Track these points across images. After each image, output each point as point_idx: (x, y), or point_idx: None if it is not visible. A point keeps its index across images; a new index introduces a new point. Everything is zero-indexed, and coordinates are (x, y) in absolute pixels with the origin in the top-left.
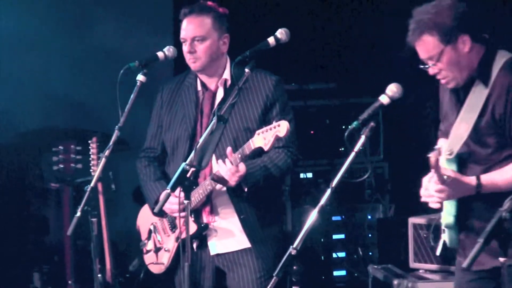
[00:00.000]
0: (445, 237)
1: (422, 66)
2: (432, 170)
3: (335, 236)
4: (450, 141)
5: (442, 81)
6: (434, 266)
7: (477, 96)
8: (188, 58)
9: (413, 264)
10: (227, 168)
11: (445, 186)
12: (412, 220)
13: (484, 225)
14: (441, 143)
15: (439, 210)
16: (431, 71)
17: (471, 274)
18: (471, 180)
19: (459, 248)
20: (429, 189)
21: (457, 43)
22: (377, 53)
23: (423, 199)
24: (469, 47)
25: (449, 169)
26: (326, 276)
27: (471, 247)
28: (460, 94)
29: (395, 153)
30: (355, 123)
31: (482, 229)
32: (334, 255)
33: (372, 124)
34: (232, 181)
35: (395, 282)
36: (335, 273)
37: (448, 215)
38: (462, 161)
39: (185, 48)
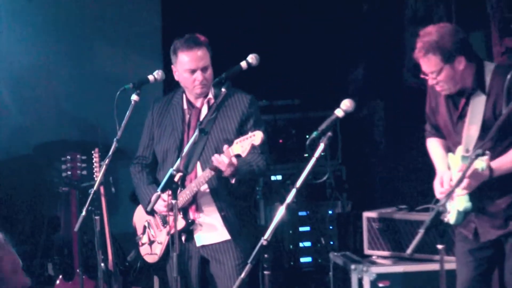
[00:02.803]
0: (451, 218)
1: (423, 76)
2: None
3: (301, 229)
4: (464, 141)
5: (438, 89)
6: (385, 253)
7: (478, 102)
8: (198, 84)
9: (367, 251)
10: (224, 160)
11: (469, 179)
12: (366, 214)
13: (493, 205)
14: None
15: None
16: (430, 82)
17: (474, 244)
18: (485, 170)
19: (466, 224)
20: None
21: (454, 63)
22: (334, 73)
23: (442, 196)
24: (464, 66)
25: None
26: (294, 263)
27: (481, 223)
28: (456, 101)
29: (352, 158)
30: (315, 133)
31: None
32: (301, 244)
33: (329, 133)
34: (228, 172)
35: (352, 266)
36: (302, 259)
37: (465, 202)
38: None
39: (198, 76)
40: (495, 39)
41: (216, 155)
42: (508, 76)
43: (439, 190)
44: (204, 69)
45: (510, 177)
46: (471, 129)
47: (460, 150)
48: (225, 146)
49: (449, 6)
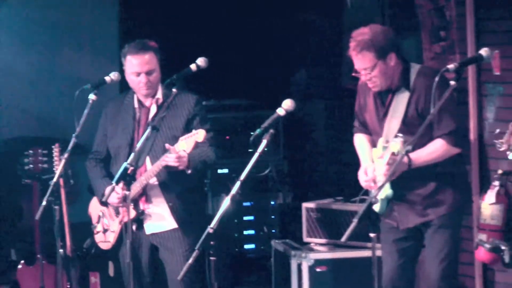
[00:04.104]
0: (376, 207)
1: (355, 74)
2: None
3: (245, 218)
4: (385, 133)
5: (370, 85)
6: (322, 240)
7: (402, 98)
8: (143, 86)
9: (306, 239)
10: (173, 157)
11: (388, 165)
12: (305, 205)
13: (413, 194)
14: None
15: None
16: (364, 78)
17: (397, 234)
18: (405, 159)
19: (389, 213)
20: (376, 174)
21: (386, 58)
22: (278, 75)
23: (366, 185)
24: (395, 62)
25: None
26: (239, 249)
27: (402, 211)
28: (384, 99)
29: (293, 153)
30: (258, 130)
31: (413, 196)
32: (245, 232)
33: (272, 131)
34: (180, 166)
35: (292, 253)
36: (246, 246)
37: (387, 190)
38: None
39: (142, 79)
40: (425, 45)
41: (164, 156)
42: (436, 79)
43: (363, 179)
44: (148, 73)
45: (430, 168)
46: (392, 122)
47: (381, 141)
48: (167, 145)
49: (384, 14)
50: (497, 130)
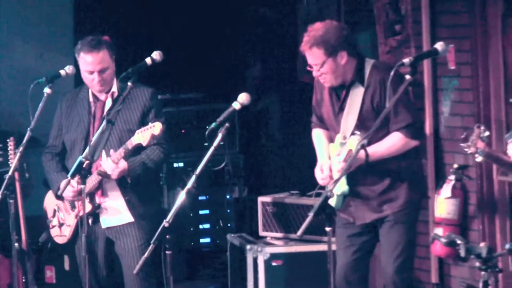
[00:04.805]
0: (332, 202)
1: (309, 68)
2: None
3: (201, 212)
4: (342, 129)
5: (321, 81)
6: (278, 234)
7: (356, 93)
8: (96, 84)
9: (261, 233)
10: (110, 165)
11: (345, 161)
12: (261, 199)
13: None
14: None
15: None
16: (315, 73)
17: (353, 229)
18: (361, 153)
19: (345, 208)
20: (333, 170)
21: (337, 57)
22: (234, 69)
23: (323, 182)
24: (346, 60)
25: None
26: (195, 243)
27: (358, 206)
28: (339, 93)
29: (249, 147)
30: (214, 124)
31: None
32: (201, 226)
33: (227, 124)
34: (114, 176)
35: (248, 247)
36: (202, 240)
37: (343, 185)
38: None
39: (96, 77)
40: (380, 39)
41: (103, 159)
42: (391, 74)
43: (320, 176)
44: (102, 71)
45: (386, 163)
46: (349, 118)
47: (338, 137)
48: (111, 151)
49: (339, 8)
50: (464, 134)
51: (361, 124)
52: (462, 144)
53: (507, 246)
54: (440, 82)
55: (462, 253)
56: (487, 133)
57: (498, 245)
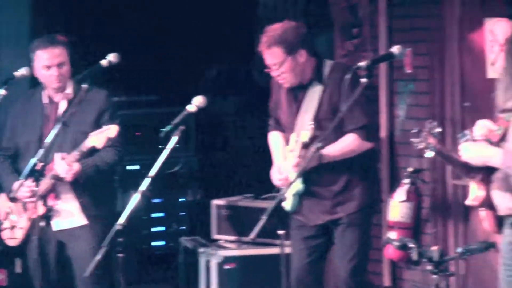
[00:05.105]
0: (287, 205)
1: (267, 70)
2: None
3: (155, 215)
4: (298, 129)
5: (280, 81)
6: (232, 237)
7: (314, 93)
8: (54, 79)
9: (215, 236)
10: (63, 168)
11: (299, 157)
12: (215, 202)
13: (323, 190)
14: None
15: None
16: (273, 73)
17: (307, 231)
18: (315, 153)
19: (299, 210)
20: (286, 169)
21: (296, 55)
22: (190, 71)
23: (279, 183)
24: (305, 59)
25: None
26: (148, 246)
27: (312, 207)
28: (298, 94)
29: (204, 150)
30: (169, 127)
31: (323, 192)
32: (154, 229)
33: (182, 127)
34: (68, 178)
35: (201, 250)
36: (155, 243)
37: (298, 185)
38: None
39: (53, 72)
40: (337, 42)
41: (57, 162)
42: (347, 76)
43: (276, 178)
44: (59, 65)
45: (341, 164)
46: (305, 118)
47: (293, 137)
48: (64, 155)
49: (297, 11)
50: (414, 130)
51: (317, 124)
52: (413, 139)
53: (459, 249)
54: (396, 85)
55: (414, 256)
56: (438, 129)
57: (451, 248)
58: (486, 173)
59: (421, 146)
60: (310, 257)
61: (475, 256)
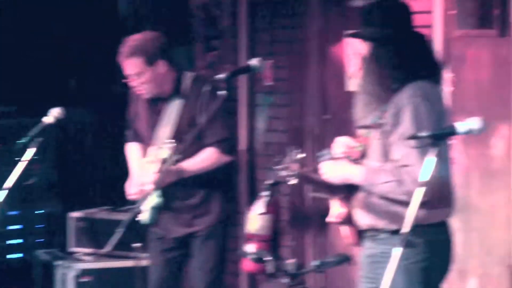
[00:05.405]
0: (144, 217)
1: (125, 80)
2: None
3: (12, 227)
4: (157, 141)
5: (140, 92)
6: (89, 250)
7: (174, 106)
8: None
9: (72, 249)
10: None
11: (158, 173)
12: (72, 214)
13: (181, 204)
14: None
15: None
16: (133, 84)
17: (165, 244)
18: (174, 166)
19: (158, 222)
20: (145, 182)
21: (156, 66)
22: (49, 82)
23: (134, 197)
24: (165, 70)
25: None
26: (3, 259)
27: (170, 220)
28: (157, 106)
29: (62, 161)
30: (26, 138)
31: (181, 205)
32: (11, 241)
33: (39, 139)
34: None
35: (58, 262)
36: (11, 256)
37: (156, 197)
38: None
39: None
40: (198, 54)
41: None
42: (206, 89)
43: (132, 191)
44: None
45: (199, 178)
46: (165, 130)
47: (152, 150)
48: None
49: (157, 22)
50: (276, 158)
51: (177, 137)
52: (275, 167)
53: (314, 262)
54: (257, 98)
55: (270, 269)
56: (301, 155)
57: (310, 261)
58: (347, 190)
59: (284, 174)
60: (168, 269)
61: (334, 269)
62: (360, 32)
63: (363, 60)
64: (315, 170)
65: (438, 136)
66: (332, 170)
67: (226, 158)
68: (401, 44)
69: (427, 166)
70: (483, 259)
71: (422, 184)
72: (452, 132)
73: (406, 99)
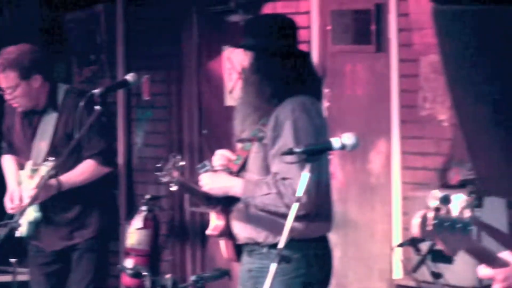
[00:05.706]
0: (21, 231)
1: (1, 92)
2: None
3: None
4: (34, 156)
5: (14, 105)
6: None
7: (49, 119)
8: None
9: None
10: None
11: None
12: None
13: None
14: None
15: None
16: (7, 96)
17: (45, 257)
18: (53, 182)
19: (36, 235)
20: (24, 197)
21: (30, 80)
22: None
23: (12, 211)
24: (40, 84)
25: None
26: None
27: (49, 233)
28: (32, 119)
29: None
30: None
31: (59, 218)
32: None
33: None
34: None
35: None
36: None
37: (34, 212)
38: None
39: None
40: (75, 69)
41: None
42: (81, 104)
43: (9, 206)
44: None
45: (77, 190)
46: (41, 144)
47: (29, 164)
48: None
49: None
50: (160, 163)
51: (54, 151)
52: (157, 173)
53: (192, 277)
54: (134, 112)
55: (148, 284)
56: (182, 163)
57: (189, 275)
58: (225, 203)
59: (166, 180)
60: (48, 283)
61: (214, 284)
62: (241, 42)
63: (243, 71)
64: (195, 182)
65: (312, 152)
66: (212, 181)
67: (105, 170)
68: (281, 56)
69: (303, 181)
70: (363, 274)
71: (298, 199)
72: (326, 148)
73: (286, 113)
